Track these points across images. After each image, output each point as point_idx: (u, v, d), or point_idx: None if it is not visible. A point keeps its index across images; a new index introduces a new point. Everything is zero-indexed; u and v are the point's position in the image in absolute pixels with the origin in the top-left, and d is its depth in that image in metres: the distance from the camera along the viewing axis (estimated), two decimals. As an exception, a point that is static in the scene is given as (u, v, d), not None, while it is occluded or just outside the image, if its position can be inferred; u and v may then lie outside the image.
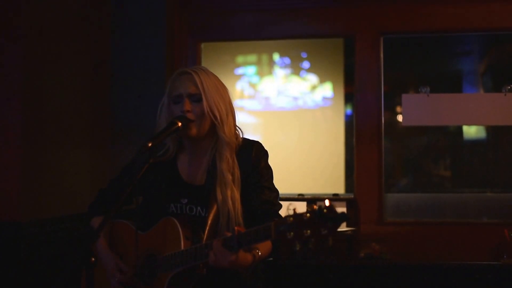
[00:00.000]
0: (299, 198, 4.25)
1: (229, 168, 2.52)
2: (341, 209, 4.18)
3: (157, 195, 2.60)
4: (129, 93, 4.29)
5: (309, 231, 1.98)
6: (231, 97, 2.63)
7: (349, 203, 4.23)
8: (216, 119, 2.53)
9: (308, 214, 1.99)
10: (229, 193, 2.49)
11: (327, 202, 1.98)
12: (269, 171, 2.61)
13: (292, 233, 2.01)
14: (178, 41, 4.41)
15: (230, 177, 2.51)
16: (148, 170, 2.51)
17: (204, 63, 4.49)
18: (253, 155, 2.57)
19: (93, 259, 2.26)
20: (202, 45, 4.52)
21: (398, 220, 4.48)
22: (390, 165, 5.19)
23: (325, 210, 1.96)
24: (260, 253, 2.34)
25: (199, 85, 2.52)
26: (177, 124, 2.48)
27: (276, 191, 2.61)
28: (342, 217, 1.95)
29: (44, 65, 3.68)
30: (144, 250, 2.55)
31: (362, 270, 3.96)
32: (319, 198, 4.26)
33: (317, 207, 1.99)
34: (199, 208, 2.55)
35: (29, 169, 3.52)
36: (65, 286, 2.38)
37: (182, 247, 2.40)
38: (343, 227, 4.16)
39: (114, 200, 2.54)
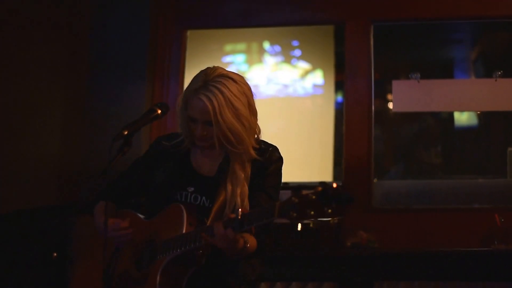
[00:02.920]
0: (284, 186, 4.20)
1: (242, 168, 2.51)
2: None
3: (165, 183, 2.60)
4: (108, 80, 4.26)
5: (312, 212, 2.03)
6: (253, 101, 2.57)
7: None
8: (230, 145, 2.47)
9: (313, 196, 2.03)
10: (239, 190, 2.47)
11: (334, 185, 2.03)
12: (276, 178, 2.58)
13: (295, 214, 2.05)
14: (162, 27, 4.39)
15: (242, 175, 2.50)
16: (160, 157, 2.59)
17: (189, 51, 4.47)
18: (267, 157, 2.55)
19: (55, 254, 2.24)
20: (188, 33, 4.49)
21: (387, 207, 4.49)
22: (381, 152, 5.19)
23: (330, 191, 2.01)
24: (248, 245, 2.35)
25: (212, 114, 2.42)
26: (156, 111, 2.48)
27: (277, 200, 2.54)
28: (346, 199, 2.00)
29: (17, 54, 3.67)
30: (146, 236, 2.55)
31: (349, 259, 3.94)
32: (304, 186, 4.22)
33: (321, 189, 2.03)
34: (203, 198, 2.54)
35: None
36: (28, 282, 2.37)
37: (184, 231, 2.40)
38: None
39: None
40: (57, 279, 2.99)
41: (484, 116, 5.22)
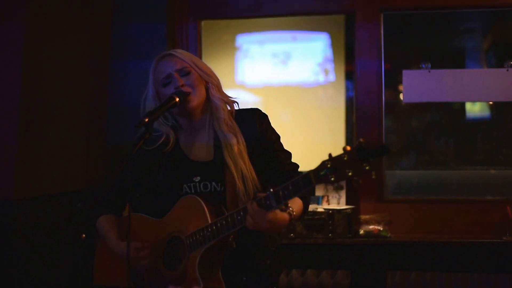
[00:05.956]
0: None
1: (230, 129, 2.54)
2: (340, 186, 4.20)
3: (166, 179, 2.60)
4: (129, 72, 4.29)
5: (350, 172, 1.99)
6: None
7: (349, 180, 4.20)
8: (208, 81, 2.60)
9: (346, 156, 1.99)
10: (236, 150, 2.50)
11: (361, 140, 1.98)
12: (276, 134, 2.66)
13: (333, 176, 2.03)
14: (179, 18, 4.39)
15: (234, 138, 2.52)
16: (152, 157, 2.62)
17: (204, 42, 4.48)
18: (257, 121, 2.60)
19: (83, 235, 2.25)
20: (203, 23, 4.50)
21: (399, 197, 4.46)
22: (392, 143, 5.15)
23: (364, 146, 1.96)
24: (294, 212, 2.39)
25: (184, 59, 2.58)
26: (175, 99, 2.49)
27: (288, 151, 2.67)
28: (382, 150, 1.95)
29: (44, 43, 3.68)
30: (166, 235, 2.55)
31: (363, 249, 3.97)
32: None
33: (351, 148, 1.99)
34: (213, 183, 2.55)
35: (24, 146, 3.52)
36: (57, 263, 2.38)
37: (210, 221, 2.41)
38: (342, 205, 4.15)
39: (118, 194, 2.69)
40: (86, 259, 3.05)
41: (496, 107, 5.17)
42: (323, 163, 2.05)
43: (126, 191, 2.67)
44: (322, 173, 2.05)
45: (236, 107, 2.66)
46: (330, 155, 2.06)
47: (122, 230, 2.67)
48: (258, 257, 2.55)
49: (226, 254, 2.46)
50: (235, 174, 2.48)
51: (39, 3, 3.60)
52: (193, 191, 2.56)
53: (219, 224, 2.37)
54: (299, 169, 4.30)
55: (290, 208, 2.36)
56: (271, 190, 2.23)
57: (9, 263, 3.40)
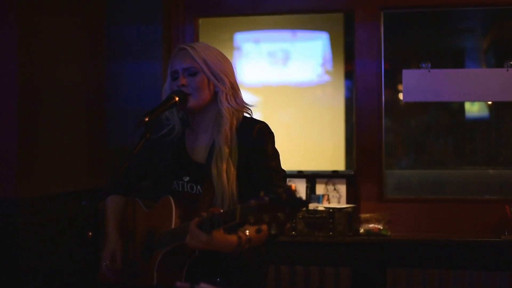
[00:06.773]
0: (299, 175, 4.25)
1: (227, 141, 2.48)
2: (340, 186, 4.20)
3: (162, 172, 2.59)
4: (126, 70, 4.27)
5: (267, 217, 1.93)
6: (235, 72, 2.63)
7: (349, 179, 4.22)
8: (216, 86, 2.52)
9: (267, 198, 1.93)
10: (224, 166, 2.45)
11: (290, 187, 1.96)
12: (275, 154, 2.56)
13: (252, 218, 1.97)
14: (175, 16, 4.38)
15: (227, 150, 2.47)
16: (156, 147, 2.60)
17: (202, 41, 4.46)
18: (255, 134, 2.52)
19: (90, 233, 2.25)
20: (200, 21, 4.48)
21: (398, 197, 4.47)
22: (392, 143, 5.16)
23: (284, 195, 1.91)
24: (248, 235, 2.31)
25: (196, 57, 2.50)
26: (174, 98, 2.46)
27: (280, 171, 2.55)
28: (300, 203, 1.91)
29: (39, 40, 3.66)
30: (147, 228, 2.54)
31: (364, 247, 3.98)
32: (318, 175, 4.25)
33: (276, 193, 1.93)
34: (199, 186, 2.52)
35: (25, 145, 3.51)
36: (61, 263, 2.37)
37: (173, 226, 2.39)
38: (342, 204, 4.16)
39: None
40: (93, 257, 3.05)
41: (495, 107, 5.19)
42: (249, 203, 1.98)
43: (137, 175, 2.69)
44: (246, 211, 2.00)
45: (247, 114, 2.61)
46: (260, 195, 1.98)
47: (122, 213, 2.67)
48: (231, 271, 2.52)
49: (191, 260, 2.41)
50: (215, 187, 2.45)
51: (32, 4, 3.57)
52: (181, 189, 2.56)
53: (173, 233, 2.37)
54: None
55: (246, 232, 2.31)
56: (208, 213, 2.20)
57: (13, 262, 3.38)
